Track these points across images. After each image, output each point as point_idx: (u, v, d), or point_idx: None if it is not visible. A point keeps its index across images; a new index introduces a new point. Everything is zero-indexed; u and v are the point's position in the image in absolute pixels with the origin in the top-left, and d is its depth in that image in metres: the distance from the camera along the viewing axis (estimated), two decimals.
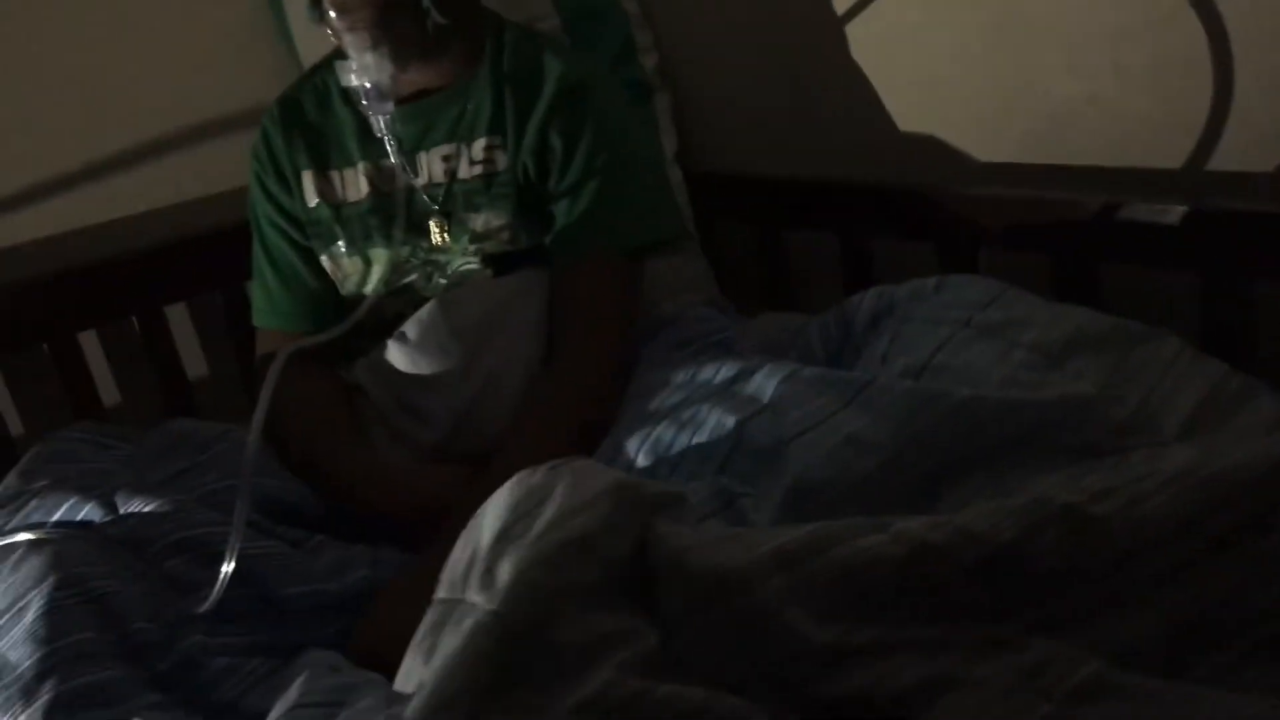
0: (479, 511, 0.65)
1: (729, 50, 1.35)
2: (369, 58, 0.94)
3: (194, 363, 1.42)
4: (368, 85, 0.95)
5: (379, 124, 0.98)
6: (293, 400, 0.99)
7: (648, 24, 1.38)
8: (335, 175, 1.08)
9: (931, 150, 1.19)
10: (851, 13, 1.20)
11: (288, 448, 1.00)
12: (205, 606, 0.78)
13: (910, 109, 1.20)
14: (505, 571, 0.58)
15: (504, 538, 0.61)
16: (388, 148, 1.00)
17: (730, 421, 0.83)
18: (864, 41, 1.20)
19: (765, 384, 0.84)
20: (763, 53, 1.32)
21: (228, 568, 0.78)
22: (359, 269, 1.09)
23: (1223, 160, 0.95)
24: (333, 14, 0.93)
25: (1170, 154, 1.00)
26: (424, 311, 1.04)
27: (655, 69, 1.37)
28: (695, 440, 0.84)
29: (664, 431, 0.87)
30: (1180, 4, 0.94)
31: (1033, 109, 1.09)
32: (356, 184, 1.07)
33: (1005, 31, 1.08)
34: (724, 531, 0.66)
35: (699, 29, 1.37)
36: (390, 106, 0.97)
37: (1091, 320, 0.81)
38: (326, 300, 1.12)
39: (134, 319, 1.31)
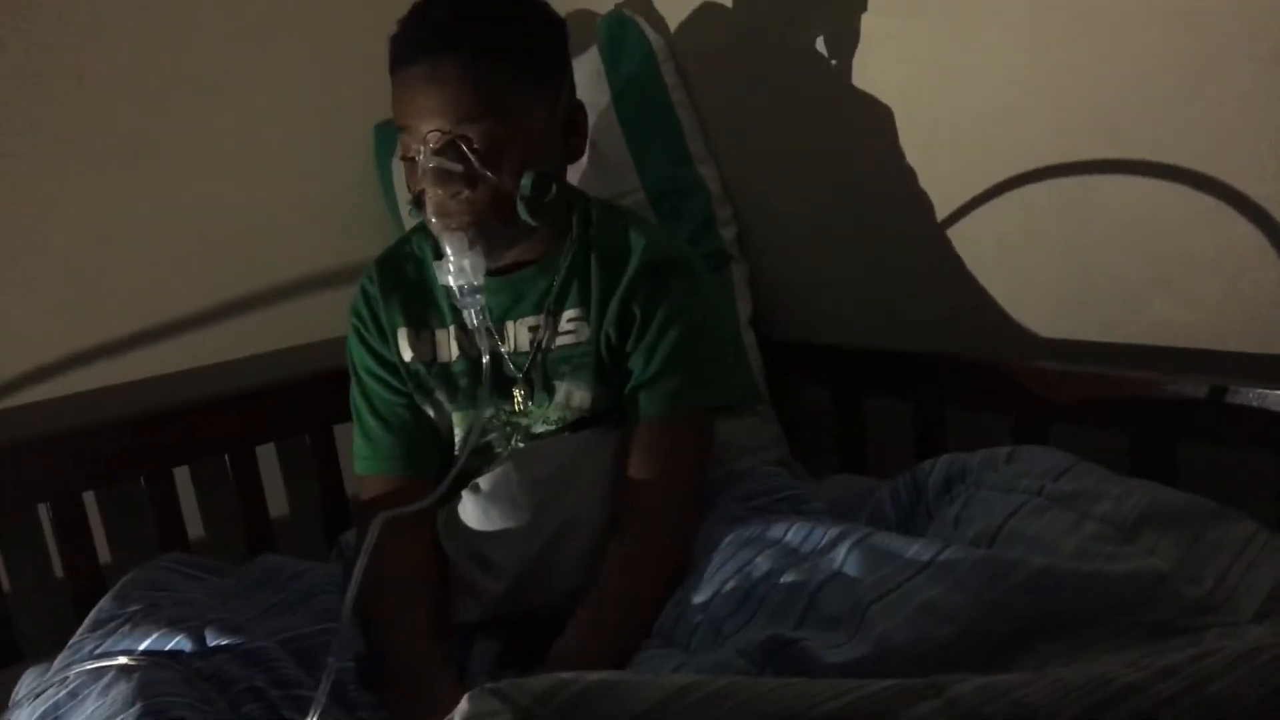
0: None
1: (805, 225, 1.41)
2: (466, 261, 0.97)
3: (277, 501, 1.48)
4: (463, 284, 0.98)
5: (470, 317, 1.01)
6: (379, 568, 1.01)
7: (728, 199, 1.45)
8: (428, 335, 1.12)
9: (1005, 325, 1.22)
10: (924, 192, 1.26)
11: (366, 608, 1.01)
12: None
13: (983, 285, 1.23)
14: None
15: None
16: (474, 322, 1.02)
17: (804, 584, 0.83)
18: (936, 219, 1.25)
19: (839, 546, 0.85)
20: (837, 227, 1.38)
21: None
22: (450, 425, 1.13)
23: None
24: (433, 218, 0.98)
25: (1238, 338, 1.02)
26: (498, 465, 1.07)
27: (733, 240, 1.43)
28: (768, 600, 0.85)
29: (732, 588, 0.88)
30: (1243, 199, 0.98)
31: (1105, 290, 1.12)
32: (448, 346, 1.11)
33: (1075, 214, 1.12)
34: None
35: (776, 205, 1.44)
36: (481, 301, 1.00)
37: (1164, 495, 0.82)
38: (429, 443, 1.14)
39: (226, 457, 1.38)
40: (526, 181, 0.98)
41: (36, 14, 1.28)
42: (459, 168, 0.95)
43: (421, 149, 0.96)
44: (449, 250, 0.98)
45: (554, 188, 1.01)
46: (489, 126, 0.96)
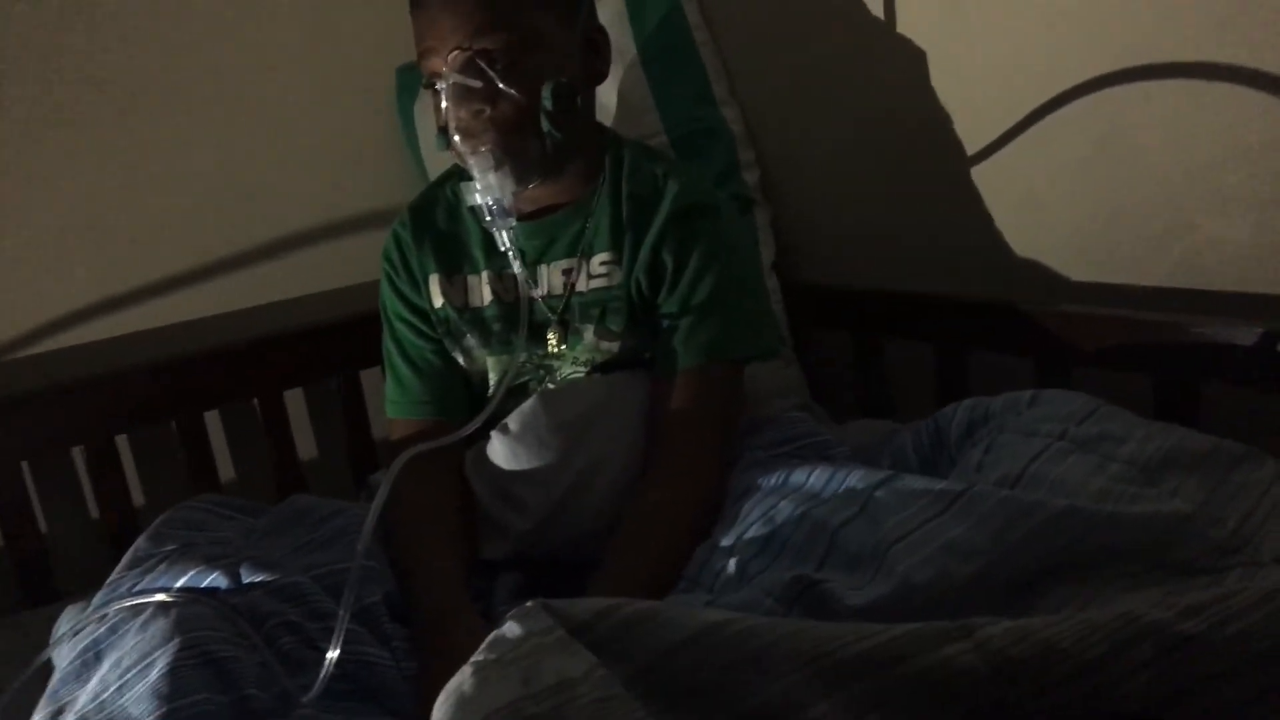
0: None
1: (828, 168, 1.41)
2: (491, 178, 0.99)
3: (306, 444, 1.50)
4: (490, 203, 1.00)
5: (502, 238, 1.02)
6: (404, 505, 1.03)
7: (751, 142, 1.44)
8: (460, 281, 1.13)
9: (1029, 267, 1.21)
10: (947, 134, 1.24)
11: (392, 546, 1.03)
12: (309, 696, 0.80)
13: (1007, 227, 1.23)
14: None
15: None
16: (510, 260, 1.05)
17: (825, 525, 0.84)
18: (960, 160, 1.24)
19: (860, 488, 0.86)
20: (861, 170, 1.37)
21: (331, 660, 0.81)
22: (481, 369, 1.14)
23: None
24: (457, 138, 0.99)
25: (1269, 281, 1.01)
26: (526, 406, 1.08)
27: (757, 184, 1.43)
28: (790, 541, 0.86)
29: (757, 533, 0.89)
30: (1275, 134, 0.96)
31: (1131, 233, 1.11)
32: (480, 291, 1.13)
33: (1102, 157, 1.11)
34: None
35: (801, 148, 1.43)
36: (512, 222, 1.01)
37: (1188, 438, 0.82)
38: (459, 388, 1.16)
39: (255, 401, 1.40)
40: (547, 92, 0.99)
41: None
42: (479, 83, 0.97)
43: (442, 70, 0.98)
44: (475, 170, 0.99)
45: (578, 100, 1.02)
46: (506, 39, 0.97)
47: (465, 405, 1.15)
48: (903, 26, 1.25)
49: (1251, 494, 0.76)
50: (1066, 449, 0.83)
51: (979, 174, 1.23)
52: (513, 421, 1.08)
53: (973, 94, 1.22)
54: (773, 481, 0.94)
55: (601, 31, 1.08)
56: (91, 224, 1.34)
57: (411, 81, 1.50)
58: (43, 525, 1.28)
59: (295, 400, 1.46)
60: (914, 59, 1.25)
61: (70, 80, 1.31)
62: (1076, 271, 1.17)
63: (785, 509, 0.89)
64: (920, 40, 1.24)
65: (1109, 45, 1.07)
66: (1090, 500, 0.76)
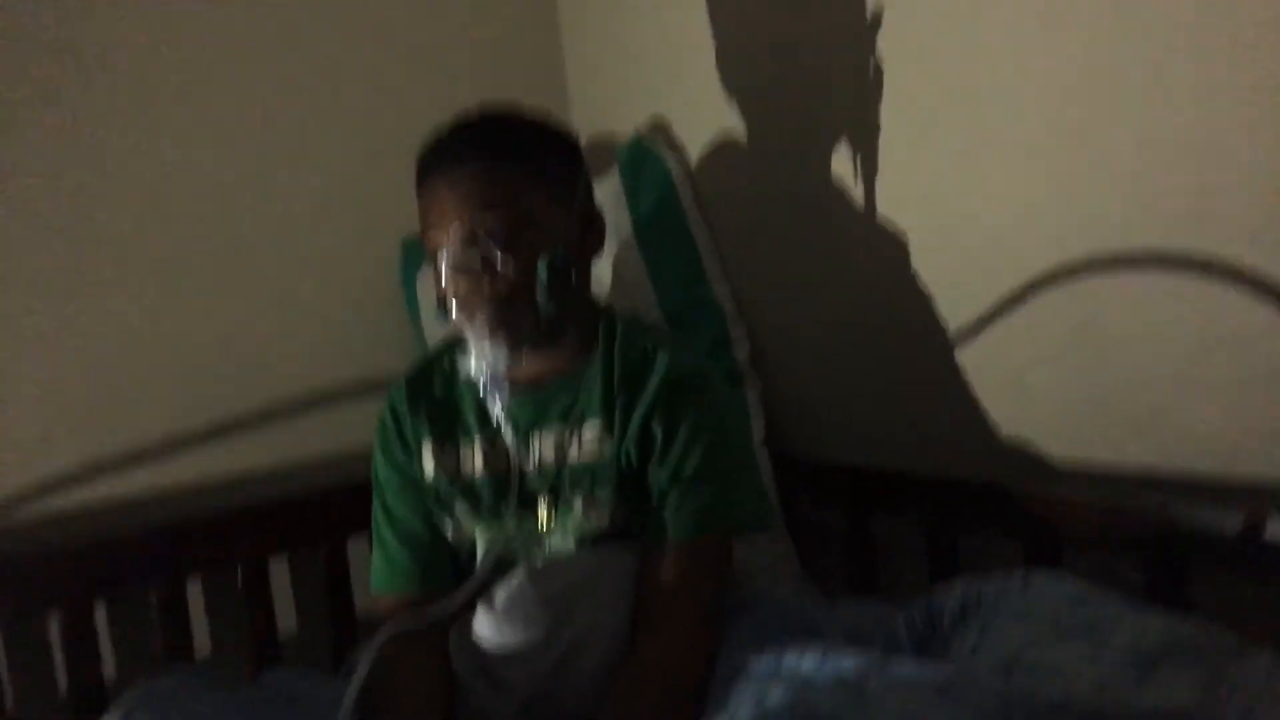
0: None
1: (817, 345, 1.44)
2: (487, 346, 1.02)
3: (285, 615, 1.46)
4: (485, 371, 1.02)
5: (495, 407, 1.05)
6: (385, 684, 1.01)
7: (741, 319, 1.48)
8: (453, 449, 1.14)
9: (1015, 447, 1.22)
10: (930, 316, 1.28)
11: None
12: None
13: (993, 408, 1.25)
14: None
15: None
16: (502, 430, 1.06)
17: (816, 715, 0.82)
18: (943, 341, 1.28)
19: (853, 676, 0.84)
20: (848, 348, 1.40)
21: None
22: (469, 540, 1.14)
23: None
24: (455, 307, 1.03)
25: (1248, 466, 1.02)
26: (513, 580, 1.07)
27: (747, 359, 1.46)
28: None
29: (748, 718, 0.87)
30: (1251, 323, 0.99)
31: (1113, 416, 1.13)
32: (472, 460, 1.13)
33: (1081, 343, 1.14)
34: None
35: (790, 325, 1.46)
36: (505, 391, 1.04)
37: (1181, 627, 0.81)
38: (445, 561, 1.15)
39: (239, 569, 1.37)
40: (542, 266, 1.03)
41: (56, 104, 1.32)
42: (478, 255, 1.01)
43: (444, 243, 1.02)
44: (472, 338, 1.02)
45: (572, 275, 1.06)
46: (505, 215, 1.02)
47: (450, 579, 1.14)
48: (884, 213, 1.31)
49: (1250, 689, 0.75)
50: (1060, 635, 0.83)
51: (963, 355, 1.26)
52: (499, 596, 1.06)
53: (953, 278, 1.26)
54: (763, 665, 0.92)
55: (597, 211, 1.13)
56: (83, 387, 1.34)
57: (415, 252, 1.54)
58: (9, 698, 1.24)
59: (279, 569, 1.44)
60: (896, 243, 1.30)
61: (73, 242, 1.33)
62: (1063, 452, 1.19)
63: (776, 694, 0.87)
64: (902, 225, 1.30)
65: (1082, 235, 1.12)
66: (1087, 690, 0.75)
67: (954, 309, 1.27)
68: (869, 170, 1.31)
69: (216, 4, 1.44)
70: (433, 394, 1.17)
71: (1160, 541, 1.01)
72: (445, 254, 1.02)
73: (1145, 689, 0.75)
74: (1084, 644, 0.81)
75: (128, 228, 1.38)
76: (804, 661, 0.90)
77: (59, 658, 1.28)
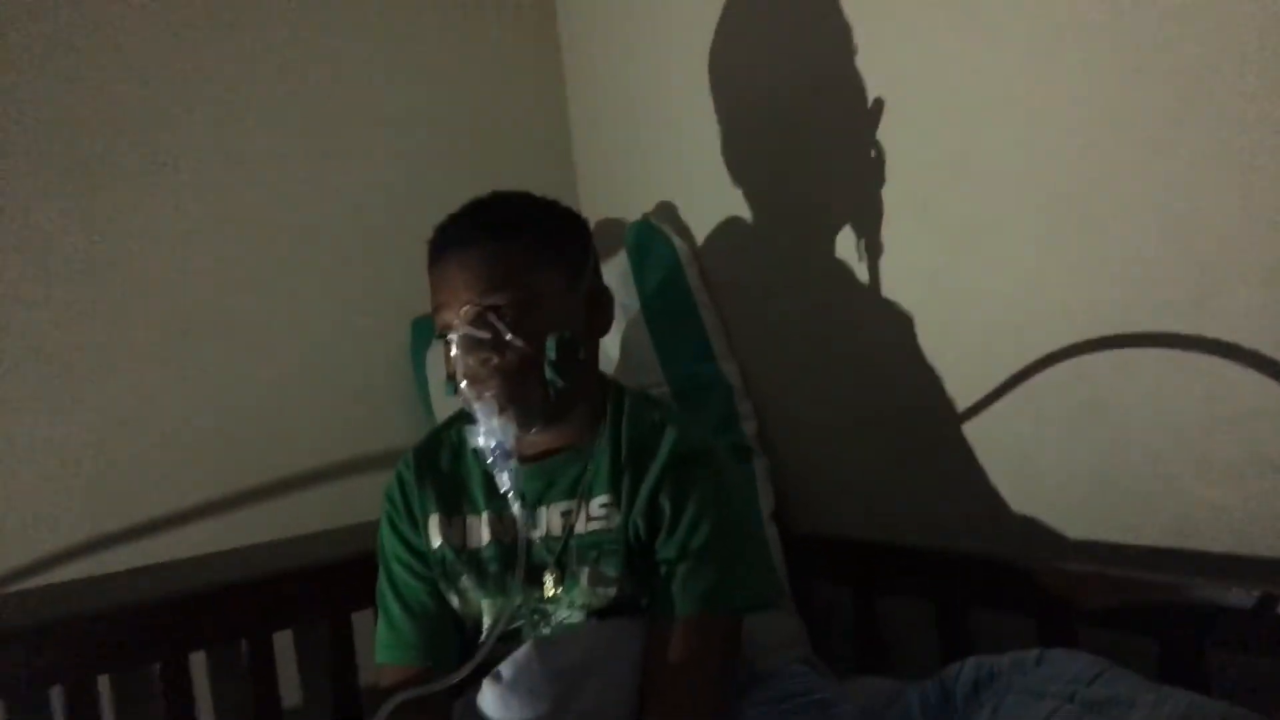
0: None
1: (824, 421, 1.45)
2: (495, 422, 1.02)
3: (289, 688, 1.45)
4: (493, 445, 1.02)
5: (503, 480, 1.04)
6: None
7: (748, 395, 1.49)
8: (460, 521, 1.15)
9: (1025, 524, 1.22)
10: (937, 393, 1.30)
11: None
12: None
13: (1002, 484, 1.25)
14: None
15: None
16: (509, 501, 1.06)
17: None
18: (951, 417, 1.28)
19: None
20: (856, 424, 1.41)
21: None
22: (475, 613, 1.14)
23: None
24: (464, 384, 1.04)
25: (1261, 544, 1.02)
26: (519, 653, 1.05)
27: (755, 434, 1.47)
28: None
29: None
30: (1258, 404, 1.00)
31: (1123, 494, 1.13)
32: (479, 532, 1.14)
33: (1087, 421, 1.15)
34: None
35: (797, 402, 1.48)
36: (514, 464, 1.03)
37: (1197, 705, 0.81)
38: (451, 634, 1.15)
39: (243, 642, 1.36)
40: (550, 344, 1.04)
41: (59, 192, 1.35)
42: (487, 335, 1.03)
43: (454, 323, 1.04)
44: (480, 414, 1.03)
45: (580, 352, 1.07)
46: (513, 295, 1.04)
47: (456, 653, 1.13)
48: (888, 292, 1.33)
49: None
50: (1076, 712, 0.82)
51: (970, 432, 1.27)
52: (505, 669, 1.05)
53: (958, 356, 1.28)
54: None
55: (605, 290, 1.15)
56: (87, 462, 1.34)
57: (425, 331, 1.57)
58: None
59: (283, 642, 1.43)
60: (901, 322, 1.32)
61: (78, 317, 1.35)
62: (1073, 530, 1.19)
63: None
64: (905, 304, 1.32)
65: (1085, 313, 1.14)
66: None
67: (960, 386, 1.28)
68: (873, 251, 1.34)
69: (229, 82, 1.49)
70: (439, 467, 1.18)
71: (1175, 616, 1.01)
72: (455, 333, 1.03)
73: None
74: None
75: (134, 303, 1.40)
76: None
77: None
